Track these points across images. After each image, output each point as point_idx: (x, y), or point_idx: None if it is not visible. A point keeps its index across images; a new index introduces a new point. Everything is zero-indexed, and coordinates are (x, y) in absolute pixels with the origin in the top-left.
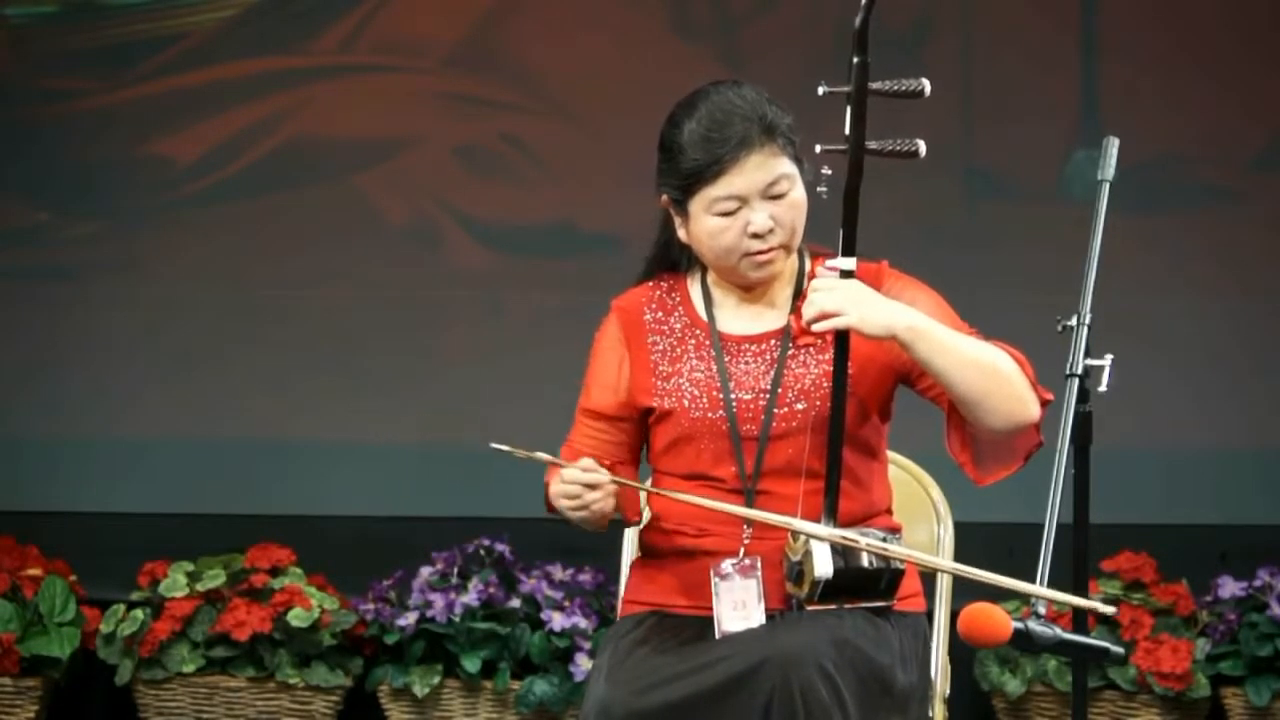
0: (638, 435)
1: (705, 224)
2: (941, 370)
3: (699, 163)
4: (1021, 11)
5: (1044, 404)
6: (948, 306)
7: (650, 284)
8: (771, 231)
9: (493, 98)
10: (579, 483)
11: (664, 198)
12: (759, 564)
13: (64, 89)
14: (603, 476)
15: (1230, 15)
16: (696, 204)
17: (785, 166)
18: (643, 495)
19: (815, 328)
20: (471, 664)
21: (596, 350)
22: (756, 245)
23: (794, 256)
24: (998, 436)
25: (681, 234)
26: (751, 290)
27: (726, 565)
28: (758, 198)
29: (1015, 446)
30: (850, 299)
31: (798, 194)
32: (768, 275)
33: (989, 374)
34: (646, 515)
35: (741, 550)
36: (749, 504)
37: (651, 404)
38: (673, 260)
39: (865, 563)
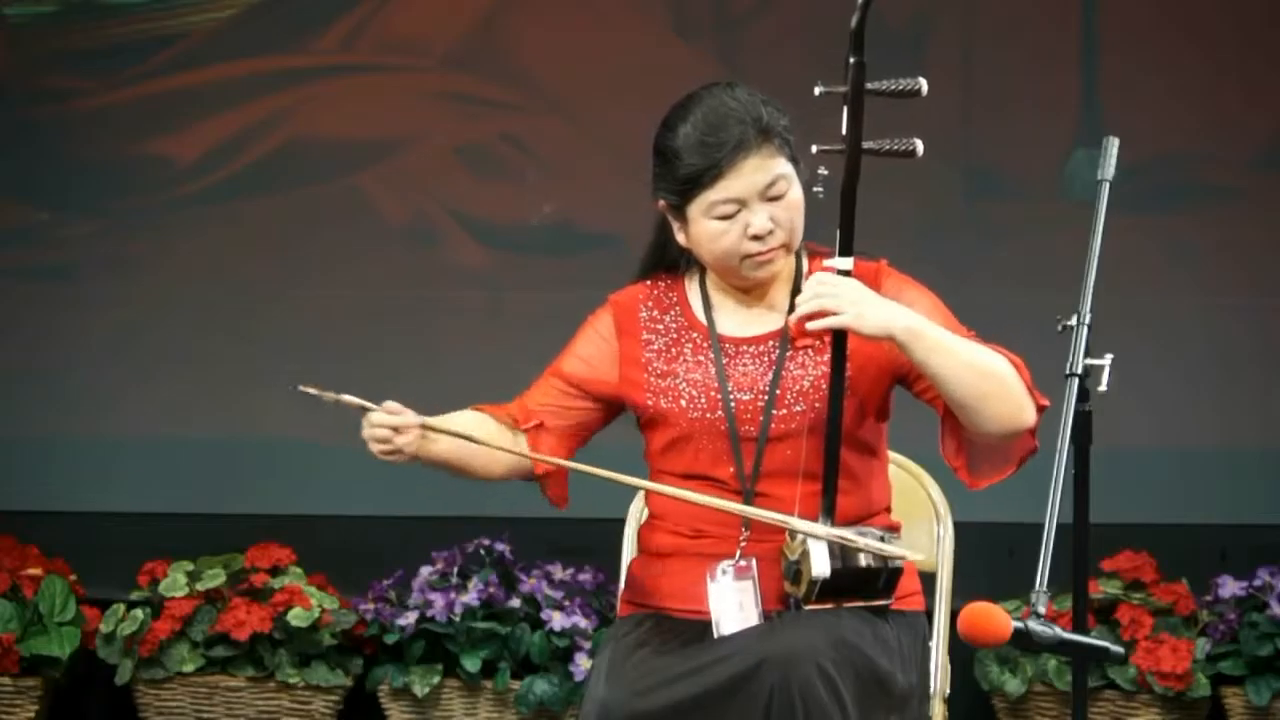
0: (590, 417)
1: (705, 228)
2: (938, 372)
3: (696, 168)
4: (1022, 9)
5: (1040, 409)
6: (945, 308)
7: (648, 283)
8: (771, 233)
9: (493, 98)
10: (387, 425)
11: (661, 203)
12: (755, 565)
13: (62, 88)
14: (409, 419)
15: (1232, 12)
16: (695, 208)
17: (782, 167)
18: (642, 493)
19: (811, 326)
20: (471, 664)
21: (584, 329)
22: (756, 247)
23: (792, 256)
24: (992, 441)
25: (680, 238)
26: (750, 291)
27: (723, 567)
28: (756, 199)
29: (1010, 451)
30: (848, 298)
31: (796, 194)
32: (769, 275)
33: (986, 377)
34: (645, 514)
35: (738, 552)
36: (748, 504)
37: (645, 401)
38: (669, 262)
39: (863, 562)
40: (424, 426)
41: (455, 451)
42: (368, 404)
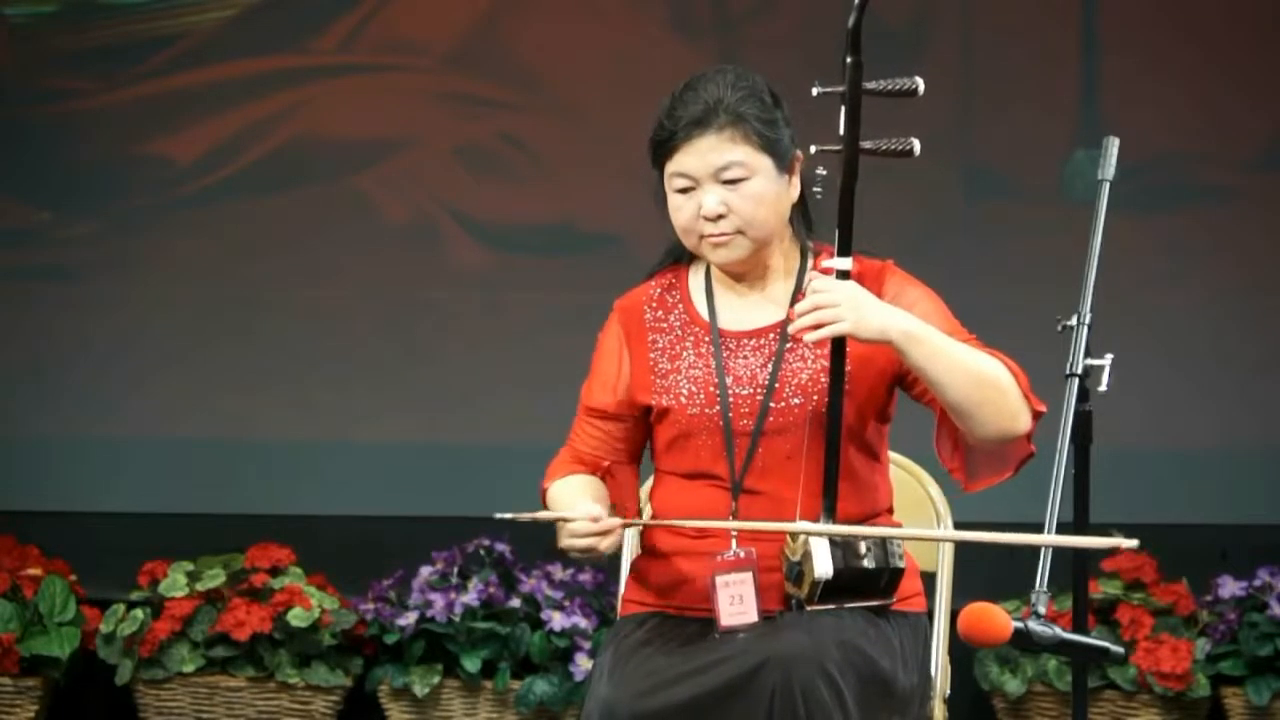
0: (638, 434)
1: (669, 199)
2: (935, 377)
3: (658, 136)
4: (1022, 8)
5: (1037, 415)
6: (947, 310)
7: (652, 282)
8: (723, 217)
9: (493, 97)
10: (592, 534)
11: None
12: (754, 555)
13: (63, 88)
14: (613, 521)
15: (1233, 11)
16: (665, 178)
17: (741, 154)
18: (643, 492)
19: (810, 337)
20: (471, 664)
21: (599, 350)
22: (709, 228)
23: (795, 251)
24: (988, 445)
25: None
26: (751, 284)
27: (722, 559)
28: (709, 180)
29: (1006, 455)
30: (846, 304)
31: (756, 185)
32: (726, 259)
33: (983, 384)
34: (647, 513)
35: (733, 543)
36: (736, 499)
37: (650, 402)
38: (682, 249)
39: (865, 563)
40: (625, 525)
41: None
42: (567, 515)
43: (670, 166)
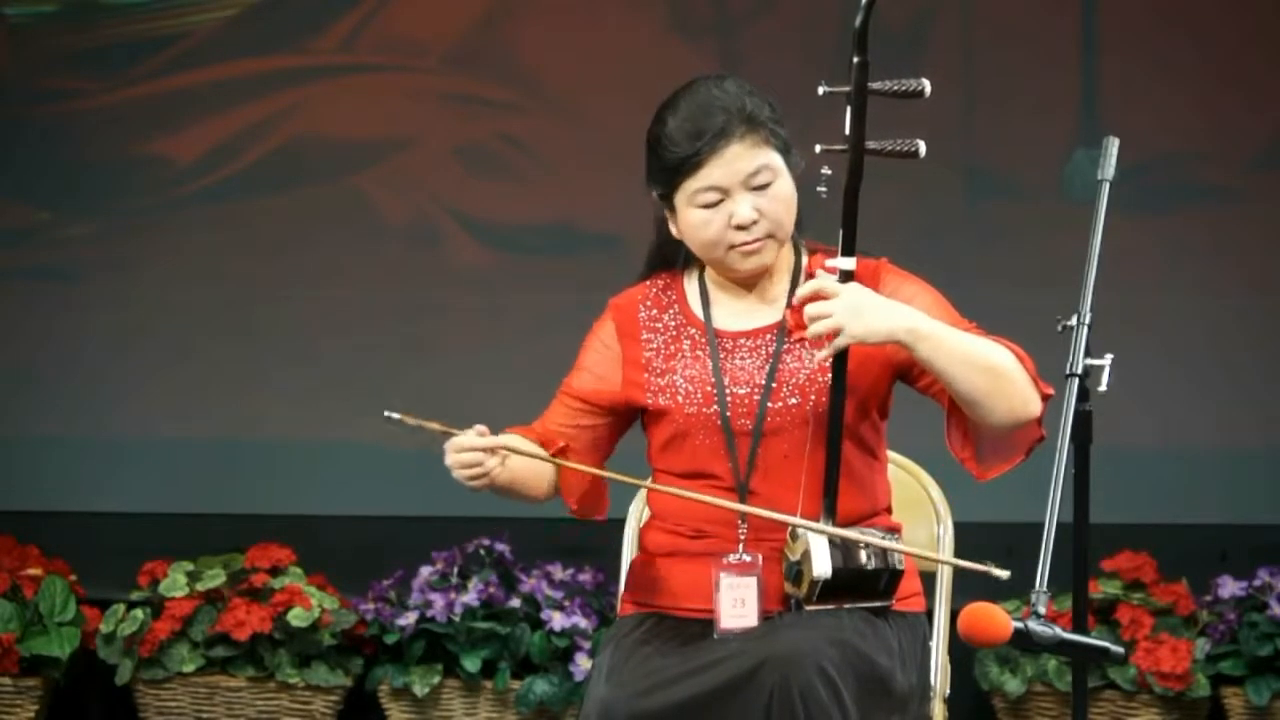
0: (609, 432)
1: (690, 217)
2: (943, 370)
3: (679, 156)
4: (1022, 9)
5: (1045, 398)
6: (946, 303)
7: (647, 283)
8: (756, 223)
9: (493, 98)
10: (478, 448)
11: (653, 194)
12: (759, 560)
13: (63, 88)
14: (498, 440)
15: (1232, 12)
16: (681, 197)
17: (766, 158)
18: (643, 493)
19: (820, 355)
20: (471, 664)
21: (588, 341)
22: (741, 237)
23: (790, 251)
24: (999, 432)
25: (674, 230)
26: (747, 285)
27: (728, 561)
28: (740, 189)
29: (1017, 441)
30: (848, 311)
31: (782, 186)
32: (757, 266)
33: (990, 372)
34: (645, 514)
35: (740, 547)
36: (742, 499)
37: (645, 401)
38: (670, 259)
39: (864, 563)
40: (505, 449)
41: (520, 475)
42: (453, 429)
43: (694, 183)
